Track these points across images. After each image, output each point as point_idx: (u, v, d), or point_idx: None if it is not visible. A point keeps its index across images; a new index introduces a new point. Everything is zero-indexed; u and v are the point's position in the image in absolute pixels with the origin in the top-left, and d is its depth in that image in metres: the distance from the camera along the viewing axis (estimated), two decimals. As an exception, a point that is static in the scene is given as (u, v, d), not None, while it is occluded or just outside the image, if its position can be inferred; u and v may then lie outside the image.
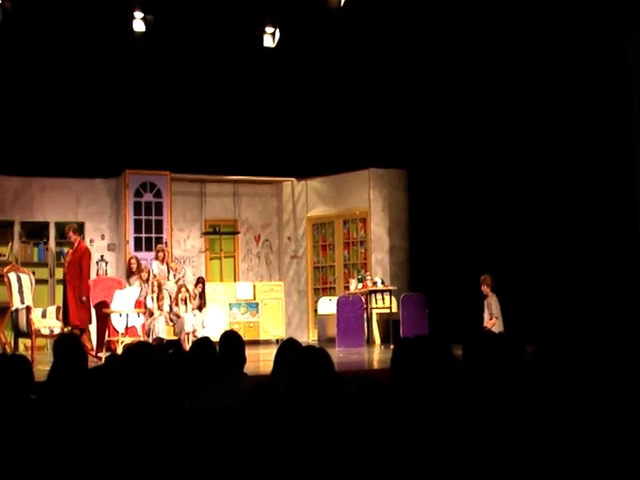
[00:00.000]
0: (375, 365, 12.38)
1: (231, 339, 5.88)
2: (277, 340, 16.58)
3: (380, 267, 17.37)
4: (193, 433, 3.95)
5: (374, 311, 16.52)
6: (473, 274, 14.61)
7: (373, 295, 16.34)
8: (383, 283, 16.42)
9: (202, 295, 15.29)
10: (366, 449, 3.61)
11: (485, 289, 14.45)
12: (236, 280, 18.70)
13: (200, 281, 15.53)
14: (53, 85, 15.92)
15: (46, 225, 17.04)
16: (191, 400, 4.84)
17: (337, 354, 13.66)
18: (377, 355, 14.31)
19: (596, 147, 12.53)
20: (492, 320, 14.29)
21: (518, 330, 10.89)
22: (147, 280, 15.13)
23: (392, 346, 12.60)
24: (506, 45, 14.25)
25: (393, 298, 16.34)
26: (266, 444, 3.71)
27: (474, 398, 4.00)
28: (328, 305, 16.93)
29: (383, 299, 16.37)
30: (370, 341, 16.23)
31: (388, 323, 16.29)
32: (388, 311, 16.24)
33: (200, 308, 15.09)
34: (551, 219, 13.98)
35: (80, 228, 17.16)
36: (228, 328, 16.00)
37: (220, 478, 3.57)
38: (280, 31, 15.28)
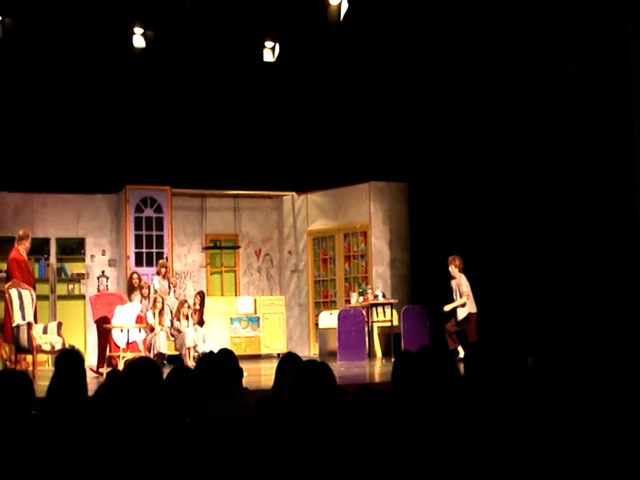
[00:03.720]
0: (377, 378, 12.37)
1: (226, 355, 5.89)
2: (278, 354, 16.58)
3: (381, 280, 17.36)
4: (196, 448, 3.95)
5: (375, 324, 16.51)
6: (475, 287, 14.62)
7: (374, 308, 16.34)
8: (384, 296, 16.41)
9: (201, 309, 15.30)
10: (376, 462, 3.61)
11: (453, 270, 14.59)
12: (237, 294, 18.70)
13: (199, 295, 15.54)
14: (53, 101, 15.97)
15: (47, 241, 17.05)
16: (192, 415, 4.83)
17: (338, 368, 13.65)
18: (378, 368, 14.31)
19: (601, 158, 12.55)
20: (463, 298, 14.35)
21: (520, 341, 10.88)
22: (148, 296, 15.15)
23: (393, 359, 12.63)
24: (504, 52, 14.26)
25: (394, 311, 16.33)
26: (272, 458, 3.70)
27: (477, 410, 3.99)
28: (329, 319, 16.92)
29: (384, 312, 16.36)
30: (371, 354, 16.22)
31: (389, 336, 16.28)
32: (389, 324, 16.24)
33: (201, 323, 15.09)
34: (555, 232, 13.98)
35: (81, 243, 17.23)
36: (229, 342, 16.07)
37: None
38: (280, 45, 15.31)
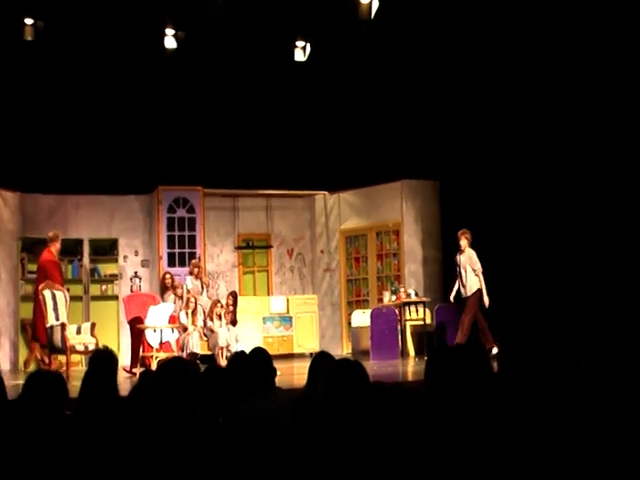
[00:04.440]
0: (410, 377, 12.34)
1: (259, 354, 5.88)
2: (311, 353, 16.55)
3: (413, 279, 17.31)
4: (230, 447, 3.94)
5: (408, 323, 16.47)
6: (507, 284, 14.55)
7: (407, 307, 16.30)
8: (417, 295, 16.37)
9: (234, 309, 15.33)
10: (409, 459, 3.60)
11: (464, 244, 14.53)
12: (269, 294, 18.71)
13: (232, 295, 15.57)
14: (86, 103, 16.03)
15: (80, 242, 17.12)
16: (225, 414, 4.83)
17: (371, 366, 13.62)
18: (411, 367, 14.28)
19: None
20: (477, 276, 14.31)
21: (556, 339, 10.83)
22: (182, 296, 15.19)
23: (426, 358, 12.57)
24: (532, 53, 14.20)
25: (427, 309, 16.28)
26: (306, 457, 3.69)
27: (511, 407, 3.97)
28: (362, 318, 16.88)
29: (417, 311, 16.33)
30: (404, 353, 16.18)
31: (422, 335, 16.24)
32: (422, 323, 16.19)
33: (234, 323, 15.11)
34: (590, 230, 13.90)
35: (114, 244, 17.30)
36: (262, 342, 16.07)
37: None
38: (311, 45, 15.30)
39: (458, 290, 14.78)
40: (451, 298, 15.00)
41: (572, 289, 14.08)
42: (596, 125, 13.08)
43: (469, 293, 14.56)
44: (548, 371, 4.37)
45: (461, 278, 14.72)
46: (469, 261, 14.59)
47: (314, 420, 3.88)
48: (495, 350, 13.85)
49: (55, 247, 15.00)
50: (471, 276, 14.55)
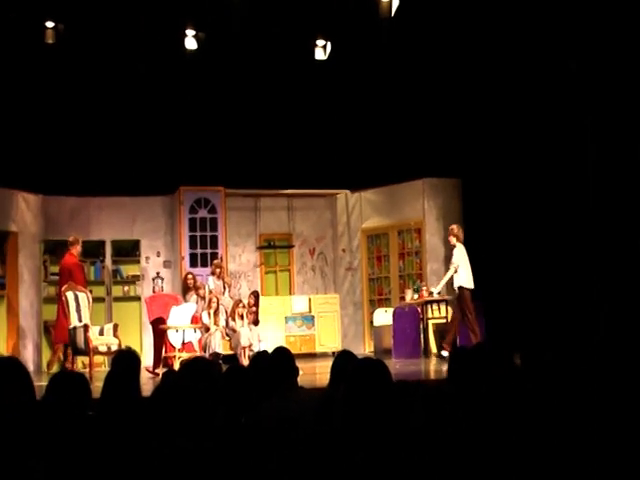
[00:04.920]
0: (432, 375, 12.32)
1: (282, 353, 5.87)
2: (333, 352, 16.52)
3: (436, 277, 17.23)
4: (252, 447, 3.93)
5: (430, 321, 16.42)
6: (530, 283, 14.50)
7: (429, 305, 16.26)
8: (439, 293, 16.32)
9: (256, 308, 15.35)
10: (434, 458, 3.58)
11: (452, 240, 14.58)
12: (291, 293, 18.71)
13: (254, 294, 15.59)
14: (107, 105, 16.07)
15: (102, 244, 17.18)
16: (247, 414, 4.82)
17: (394, 365, 13.60)
18: (434, 365, 14.24)
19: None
20: (450, 270, 14.39)
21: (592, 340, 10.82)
22: (204, 296, 15.21)
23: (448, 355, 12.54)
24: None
25: (449, 308, 16.23)
26: (329, 456, 3.68)
27: (535, 406, 3.95)
28: (384, 316, 16.86)
29: (439, 309, 16.28)
30: (427, 352, 16.13)
31: (445, 333, 16.18)
32: (444, 321, 16.14)
33: (256, 322, 15.12)
34: (615, 227, 13.85)
35: (136, 245, 17.34)
36: (284, 341, 16.08)
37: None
38: (331, 43, 15.28)
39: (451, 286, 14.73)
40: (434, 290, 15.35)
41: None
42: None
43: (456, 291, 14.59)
44: (570, 370, 4.36)
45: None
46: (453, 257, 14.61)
47: (337, 419, 3.87)
48: (445, 353, 14.20)
49: (76, 250, 15.10)
50: (455, 273, 14.48)
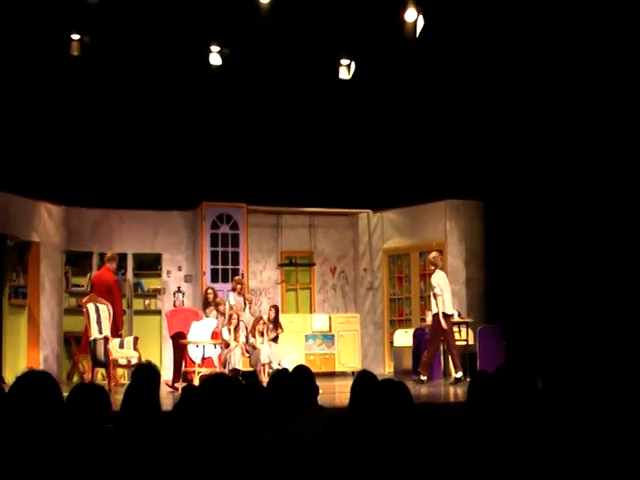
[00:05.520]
0: (452, 398, 12.27)
1: (302, 371, 5.85)
2: (352, 372, 16.50)
3: (456, 299, 17.16)
4: (269, 465, 3.92)
5: (450, 343, 16.37)
6: (551, 307, 14.44)
7: (449, 327, 16.21)
8: (460, 315, 16.27)
9: (276, 320, 15.38)
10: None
11: (433, 267, 14.98)
12: (312, 312, 18.69)
13: (274, 307, 15.64)
14: (131, 118, 16.13)
15: (124, 257, 17.20)
16: (265, 432, 4.81)
17: (413, 387, 13.55)
18: (454, 388, 14.18)
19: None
20: (436, 300, 14.53)
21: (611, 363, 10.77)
22: (224, 312, 15.22)
23: (469, 379, 12.48)
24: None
25: (470, 330, 16.18)
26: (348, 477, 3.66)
27: (559, 431, 3.93)
28: (404, 337, 16.82)
29: (460, 331, 16.21)
30: (447, 373, 16.07)
31: (465, 355, 16.12)
32: (465, 343, 16.08)
33: (276, 339, 15.13)
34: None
35: (157, 259, 17.38)
36: (304, 360, 16.04)
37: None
38: (355, 63, 15.29)
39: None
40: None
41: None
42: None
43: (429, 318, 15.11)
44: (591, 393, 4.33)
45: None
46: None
47: (357, 440, 3.85)
48: (424, 378, 14.45)
49: (113, 266, 15.24)
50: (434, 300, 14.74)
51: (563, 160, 15.16)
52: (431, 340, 14.83)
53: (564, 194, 15.14)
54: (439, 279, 14.77)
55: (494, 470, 3.70)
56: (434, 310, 14.65)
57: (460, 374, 14.39)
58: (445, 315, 14.56)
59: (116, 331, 14.50)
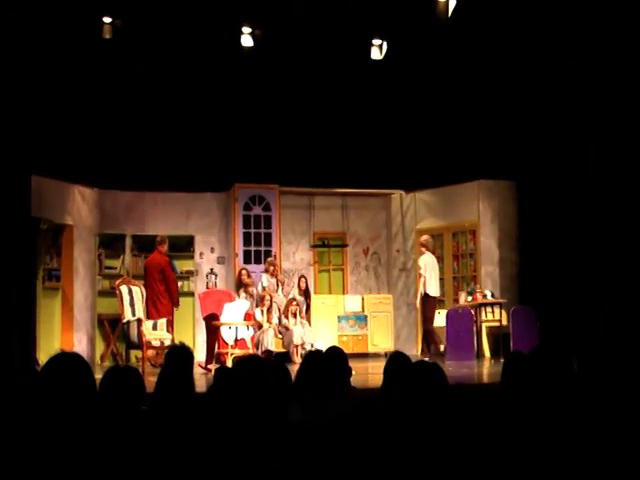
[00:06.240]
0: (485, 379, 12.24)
1: (335, 353, 5.85)
2: (385, 353, 16.49)
3: (490, 280, 17.16)
4: (301, 446, 3.92)
5: (484, 324, 16.34)
6: (585, 287, 14.34)
7: (483, 308, 16.18)
8: (493, 296, 16.24)
9: (307, 291, 15.50)
10: (486, 461, 3.55)
11: (424, 250, 15.56)
12: (345, 293, 18.68)
13: (303, 277, 15.85)
14: (164, 101, 16.15)
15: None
16: (296, 412, 4.81)
17: (447, 368, 13.50)
18: (487, 369, 14.16)
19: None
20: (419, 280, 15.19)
21: None
22: (252, 294, 15.28)
23: (502, 360, 12.45)
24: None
25: (503, 311, 16.14)
26: (381, 458, 3.65)
27: (594, 412, 3.90)
28: (437, 318, 16.79)
29: (493, 312, 16.20)
30: (480, 355, 16.05)
31: (498, 336, 16.09)
32: (498, 324, 16.05)
33: (309, 318, 15.19)
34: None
35: (190, 241, 17.43)
36: (337, 341, 16.05)
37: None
38: (387, 43, 15.22)
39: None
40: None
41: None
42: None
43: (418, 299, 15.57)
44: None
45: None
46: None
47: (389, 421, 3.84)
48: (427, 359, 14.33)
49: (164, 248, 15.39)
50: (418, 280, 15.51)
51: (595, 140, 15.03)
52: (423, 321, 15.59)
53: (595, 174, 15.02)
54: (426, 261, 15.37)
55: (528, 451, 3.68)
56: (420, 290, 15.27)
57: (427, 358, 14.51)
58: (428, 296, 15.18)
59: (171, 309, 15.03)
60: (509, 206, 17.50)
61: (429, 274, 15.18)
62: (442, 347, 15.34)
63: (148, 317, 14.25)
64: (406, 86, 16.67)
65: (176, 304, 15.27)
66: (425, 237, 15.96)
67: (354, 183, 18.23)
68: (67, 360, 4.11)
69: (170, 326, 14.02)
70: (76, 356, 4.18)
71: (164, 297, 14.92)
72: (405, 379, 3.92)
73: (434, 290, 15.35)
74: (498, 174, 17.41)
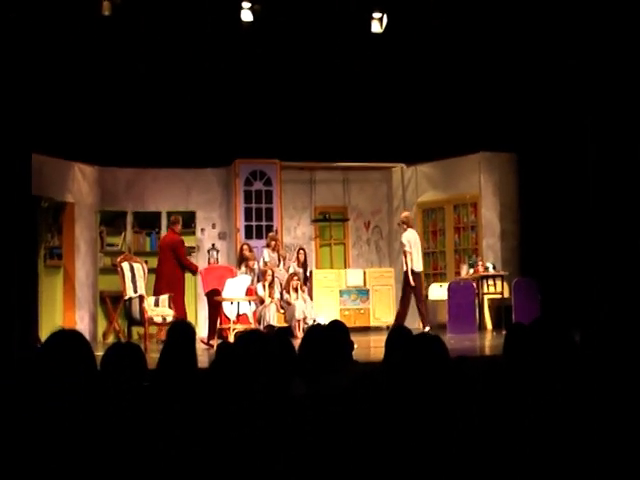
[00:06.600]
0: (487, 351, 12.27)
1: (337, 327, 5.85)
2: (387, 327, 16.51)
3: (491, 252, 17.16)
4: (303, 421, 3.92)
5: (486, 297, 16.37)
6: (586, 259, 14.33)
7: (484, 280, 16.20)
8: (494, 268, 16.26)
9: (305, 263, 15.56)
10: (488, 435, 3.55)
11: (405, 227, 15.66)
12: (346, 267, 18.68)
13: (302, 249, 15.92)
14: (163, 77, 16.10)
15: (158, 215, 17.26)
16: (300, 387, 4.81)
17: (449, 340, 13.54)
18: (489, 341, 14.19)
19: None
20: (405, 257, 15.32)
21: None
22: (252, 268, 15.28)
23: (504, 332, 12.47)
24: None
25: (505, 283, 16.16)
26: (383, 433, 3.66)
27: (595, 384, 3.90)
28: (439, 291, 16.81)
29: (495, 284, 16.22)
30: (482, 327, 16.08)
31: (500, 309, 16.11)
32: (500, 297, 16.08)
33: (310, 292, 15.21)
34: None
35: (191, 217, 17.42)
36: (339, 315, 16.08)
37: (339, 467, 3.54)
38: (387, 16, 15.15)
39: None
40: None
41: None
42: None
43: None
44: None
45: None
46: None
47: (390, 394, 3.85)
48: (427, 328, 14.98)
49: (178, 228, 15.40)
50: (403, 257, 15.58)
51: (594, 111, 14.99)
52: (402, 296, 15.62)
53: (596, 145, 14.98)
54: (409, 237, 15.46)
55: (530, 423, 3.68)
56: (404, 267, 15.33)
57: (427, 328, 14.98)
58: (414, 272, 15.23)
59: (182, 287, 15.15)
60: (510, 178, 17.48)
61: (413, 250, 15.24)
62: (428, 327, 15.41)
63: (157, 293, 14.31)
64: (406, 59, 16.60)
65: (195, 272, 15.52)
66: (405, 214, 16.15)
67: (355, 157, 18.20)
68: (66, 337, 4.11)
69: (173, 302, 14.01)
70: (76, 333, 4.18)
71: (175, 275, 14.92)
72: (406, 352, 3.92)
73: (418, 265, 15.43)
74: (499, 146, 17.37)
